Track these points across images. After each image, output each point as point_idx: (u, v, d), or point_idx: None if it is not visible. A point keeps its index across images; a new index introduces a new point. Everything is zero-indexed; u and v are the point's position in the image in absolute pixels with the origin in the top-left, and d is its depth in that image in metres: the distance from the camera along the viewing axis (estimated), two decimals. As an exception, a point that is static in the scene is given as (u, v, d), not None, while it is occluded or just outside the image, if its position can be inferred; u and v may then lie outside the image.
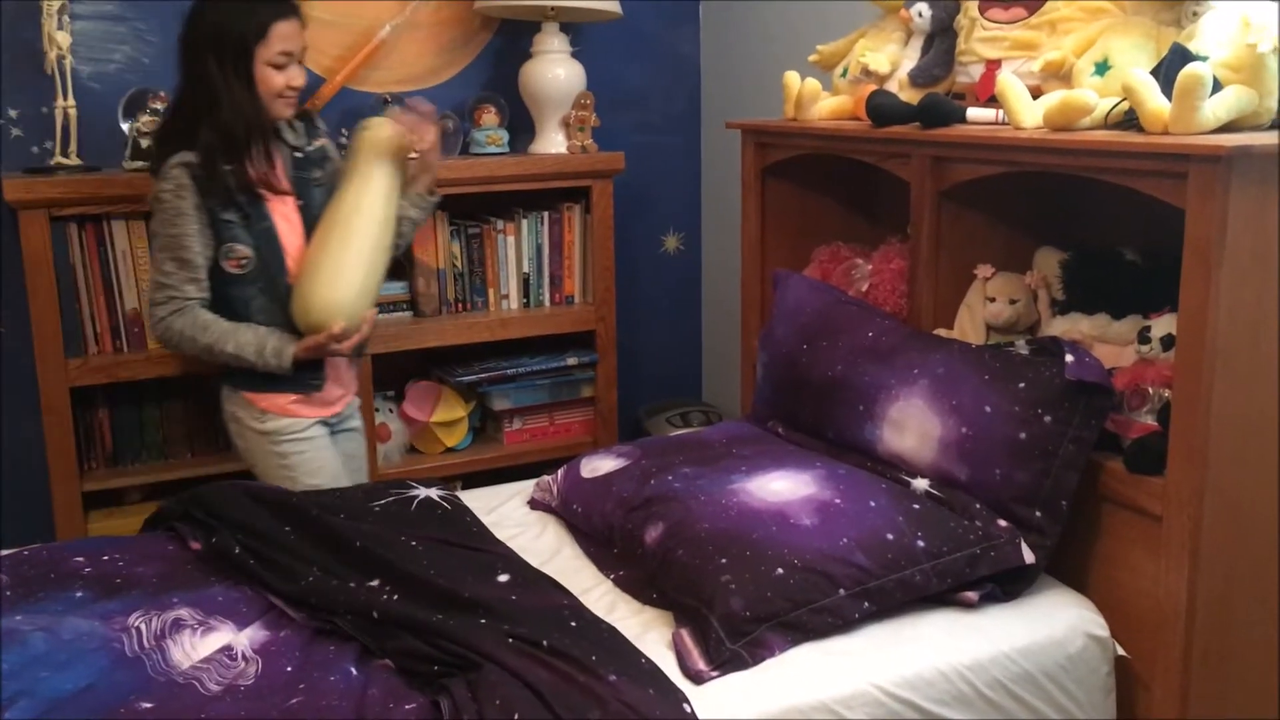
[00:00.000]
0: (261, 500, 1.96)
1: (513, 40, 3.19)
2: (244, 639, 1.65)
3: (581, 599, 1.74)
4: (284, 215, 2.26)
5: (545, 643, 1.55)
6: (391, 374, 2.95)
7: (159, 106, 2.68)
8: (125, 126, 2.71)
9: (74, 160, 2.64)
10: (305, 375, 2.25)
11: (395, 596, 1.69)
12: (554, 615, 1.64)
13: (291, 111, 2.26)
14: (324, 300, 2.18)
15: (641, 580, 1.84)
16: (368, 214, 2.24)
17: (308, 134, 2.36)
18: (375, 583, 1.73)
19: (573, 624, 1.62)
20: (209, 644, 1.64)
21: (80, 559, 1.89)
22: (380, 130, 2.30)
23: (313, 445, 2.30)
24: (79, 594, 1.77)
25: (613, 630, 1.63)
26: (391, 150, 2.29)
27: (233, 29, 2.14)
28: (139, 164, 2.63)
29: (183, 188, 2.13)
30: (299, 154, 2.31)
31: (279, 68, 2.18)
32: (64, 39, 2.58)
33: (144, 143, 2.63)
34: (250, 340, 2.19)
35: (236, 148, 2.16)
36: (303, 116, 2.35)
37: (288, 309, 2.22)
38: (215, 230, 2.18)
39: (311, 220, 2.28)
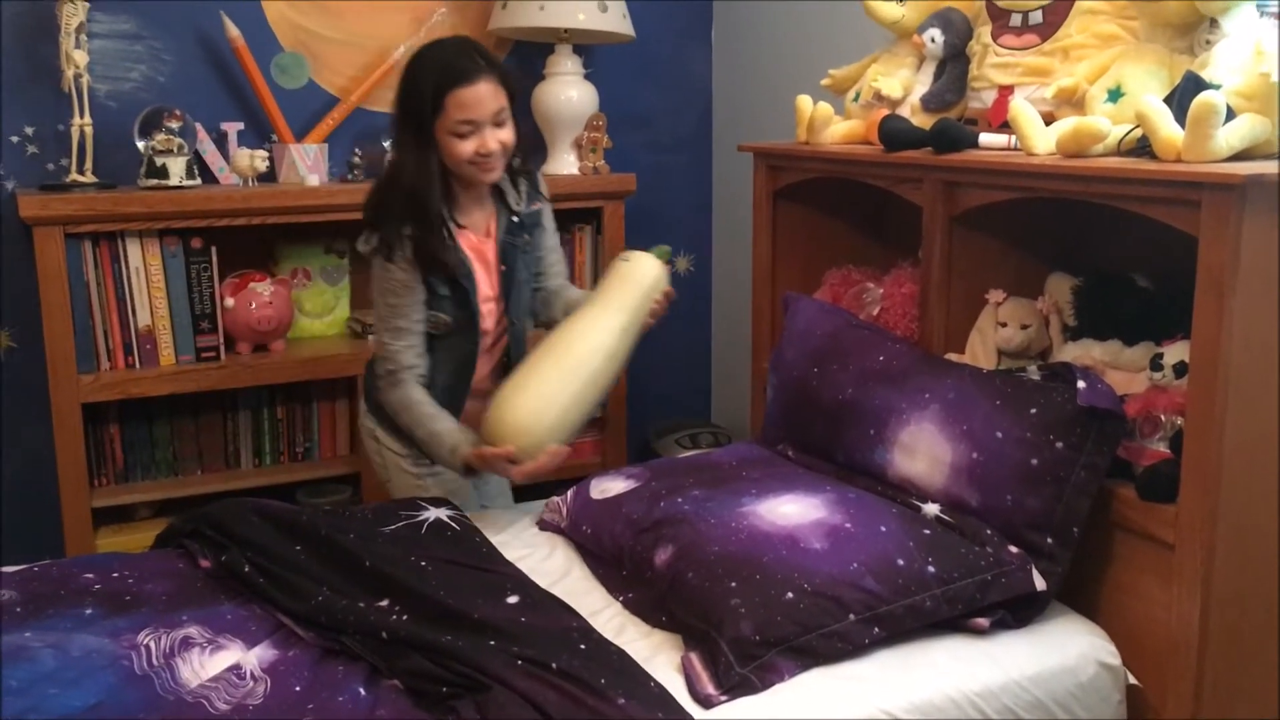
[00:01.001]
0: (271, 518, 1.96)
1: (526, 62, 3.21)
2: (253, 658, 1.65)
3: (590, 621, 1.74)
4: (485, 279, 2.19)
5: (554, 665, 1.54)
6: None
7: (174, 125, 2.70)
8: (140, 145, 2.73)
9: (89, 178, 2.66)
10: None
11: (404, 617, 1.69)
12: (563, 637, 1.64)
13: (495, 175, 2.11)
14: (517, 422, 2.01)
15: (651, 603, 1.83)
16: (596, 346, 2.08)
17: (528, 197, 2.24)
18: (384, 603, 1.73)
19: (582, 646, 1.62)
20: (218, 663, 1.63)
21: (90, 575, 1.89)
22: (643, 267, 2.16)
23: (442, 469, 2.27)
24: (88, 611, 1.76)
25: (622, 653, 1.63)
26: (648, 291, 2.15)
27: (412, 99, 2.05)
28: (154, 182, 2.65)
29: (406, 260, 2.09)
30: (515, 218, 2.20)
31: (461, 136, 2.04)
32: (81, 57, 2.60)
33: (159, 161, 2.65)
34: (440, 432, 2.10)
35: (428, 223, 2.08)
36: (527, 176, 2.24)
37: (466, 364, 2.20)
38: (426, 302, 2.14)
39: (511, 285, 2.20)
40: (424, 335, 2.15)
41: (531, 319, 2.33)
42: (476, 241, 2.17)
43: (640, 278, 2.15)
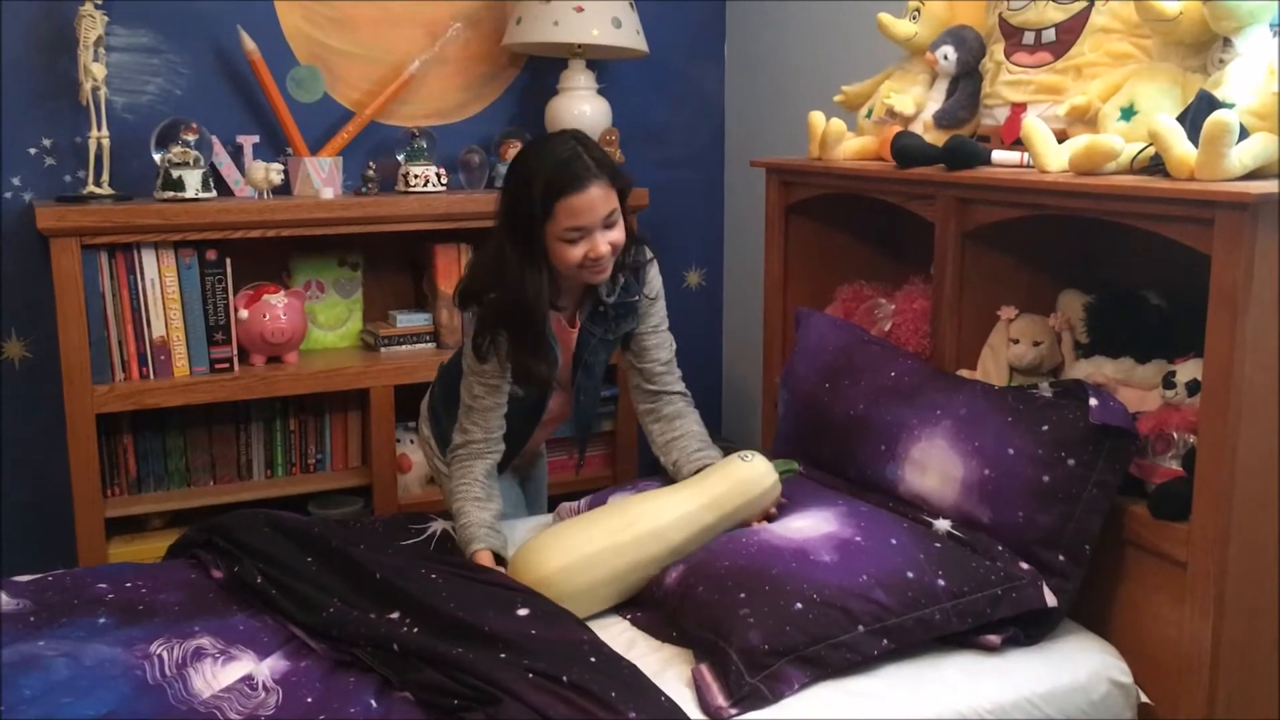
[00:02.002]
0: (283, 530, 1.97)
1: (540, 76, 3.23)
2: (265, 669, 1.65)
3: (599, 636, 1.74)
4: (564, 364, 2.13)
5: (565, 678, 1.55)
6: (412, 405, 2.96)
7: (190, 138, 2.72)
8: (157, 157, 2.75)
9: (106, 189, 2.68)
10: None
11: (415, 629, 1.69)
12: (574, 650, 1.64)
13: (604, 276, 2.01)
14: (542, 569, 1.86)
15: (660, 620, 1.83)
16: (660, 530, 1.90)
17: (628, 288, 2.11)
18: (395, 615, 1.73)
19: (592, 659, 1.62)
20: (230, 673, 1.64)
21: (103, 585, 1.90)
22: (758, 475, 1.98)
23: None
24: (101, 621, 1.78)
25: (633, 667, 1.63)
26: (753, 502, 1.97)
27: (521, 203, 1.94)
28: (169, 194, 2.67)
29: (497, 360, 2.05)
30: (600, 308, 2.10)
31: (572, 242, 1.94)
32: (99, 71, 2.63)
33: (175, 174, 2.67)
34: (465, 524, 2.02)
35: (525, 333, 2.00)
36: (633, 271, 2.11)
37: (524, 435, 2.21)
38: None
39: (579, 370, 2.14)
40: (502, 415, 2.10)
41: (636, 401, 2.25)
42: (563, 326, 2.12)
43: (749, 487, 1.96)
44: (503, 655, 1.60)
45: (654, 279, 2.17)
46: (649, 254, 2.15)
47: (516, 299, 1.97)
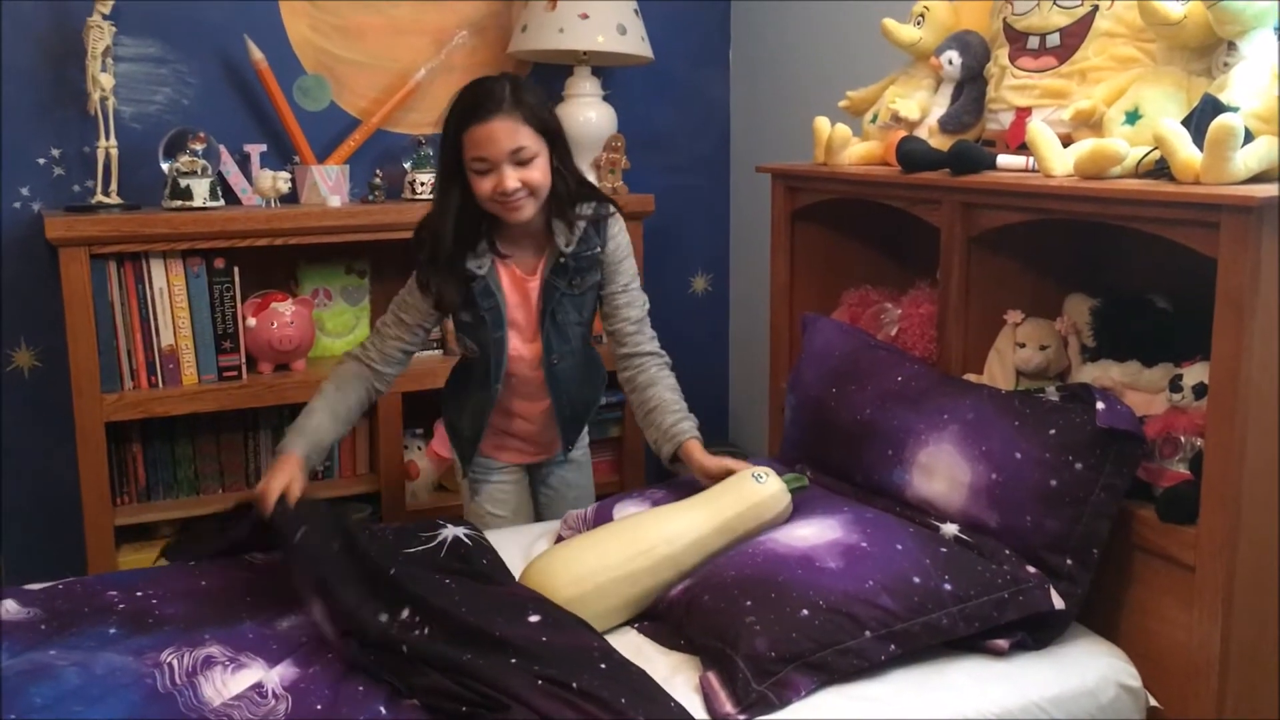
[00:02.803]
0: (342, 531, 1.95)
1: (545, 83, 3.23)
2: (275, 676, 1.66)
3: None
4: (526, 319, 2.20)
5: (574, 684, 1.55)
6: (420, 412, 2.97)
7: (198, 147, 2.73)
8: (165, 166, 2.77)
9: (114, 199, 2.69)
10: (463, 446, 2.35)
11: (425, 631, 1.69)
12: (584, 657, 1.64)
13: (521, 215, 2.07)
14: (549, 575, 1.86)
15: (667, 629, 1.84)
16: (676, 561, 1.87)
17: (586, 240, 2.16)
18: (406, 614, 1.73)
19: (602, 665, 1.62)
20: (240, 681, 1.64)
21: (113, 593, 1.90)
22: (772, 497, 1.96)
23: (502, 481, 2.38)
24: (112, 629, 1.78)
25: (642, 673, 1.63)
26: (766, 525, 1.94)
27: (443, 136, 2.09)
28: (178, 203, 2.68)
29: (414, 286, 2.18)
30: (561, 258, 2.16)
31: (481, 173, 2.03)
32: (107, 80, 2.64)
33: (183, 183, 2.68)
34: (303, 419, 2.15)
35: (438, 261, 2.12)
36: (594, 223, 2.17)
37: (493, 397, 2.25)
38: (455, 321, 2.22)
39: (555, 327, 2.19)
40: (420, 340, 2.22)
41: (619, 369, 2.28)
42: (521, 276, 2.18)
43: (763, 511, 1.94)
44: (513, 661, 1.61)
45: (617, 234, 2.21)
46: (611, 209, 2.20)
47: (429, 222, 2.13)
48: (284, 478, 1.96)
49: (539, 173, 2.06)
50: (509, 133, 2.01)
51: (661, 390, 2.21)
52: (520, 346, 2.22)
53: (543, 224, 2.15)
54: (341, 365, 2.22)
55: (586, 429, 2.49)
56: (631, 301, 2.24)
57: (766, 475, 1.98)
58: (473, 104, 2.03)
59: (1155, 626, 1.78)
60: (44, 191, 2.81)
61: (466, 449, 2.35)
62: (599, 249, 2.18)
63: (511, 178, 2.02)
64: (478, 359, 2.23)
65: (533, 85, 2.10)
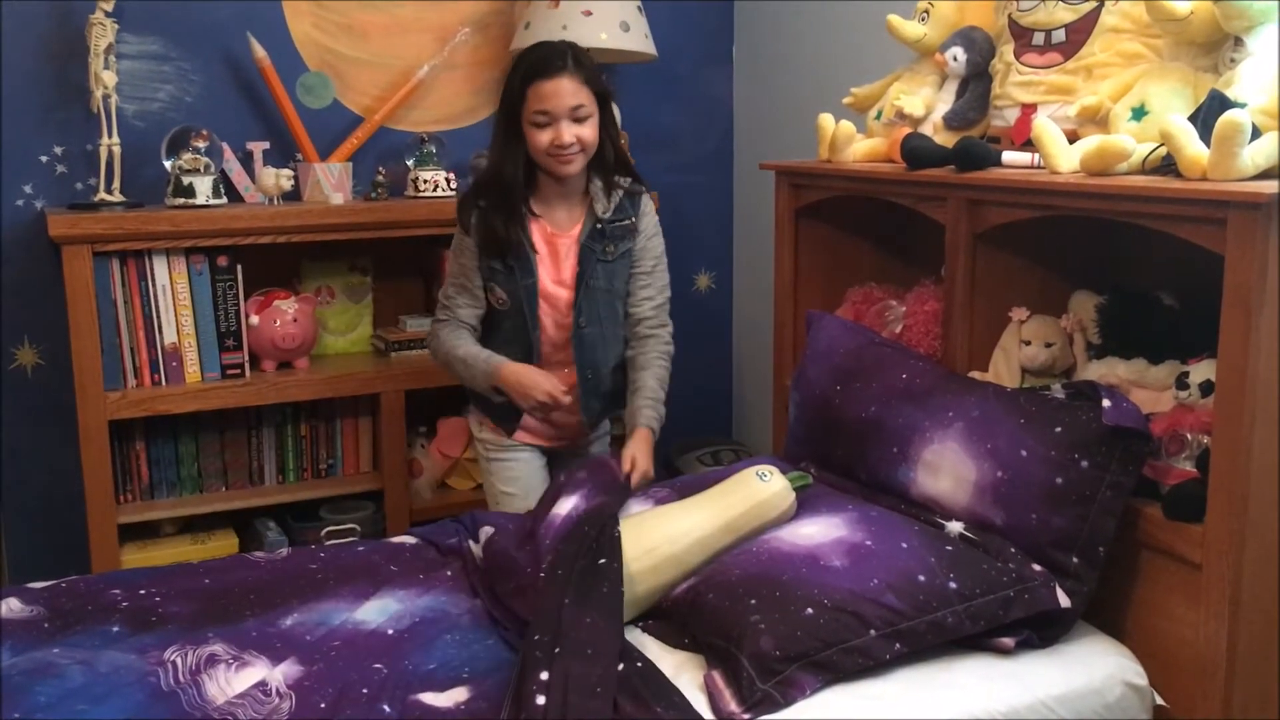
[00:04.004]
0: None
1: (548, 81, 3.23)
2: (278, 674, 1.66)
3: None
4: (555, 277, 2.32)
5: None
6: (424, 410, 2.97)
7: (201, 145, 2.73)
8: (168, 164, 2.76)
9: (117, 197, 2.69)
10: (502, 413, 2.40)
11: None
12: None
13: (571, 169, 2.25)
14: None
15: (672, 628, 1.83)
16: (680, 561, 1.87)
17: (621, 209, 2.33)
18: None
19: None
20: (244, 679, 1.64)
21: (117, 592, 1.90)
22: (776, 496, 1.94)
23: (514, 459, 2.44)
24: (115, 628, 1.78)
25: (650, 664, 1.63)
26: (769, 524, 1.93)
27: (506, 91, 2.25)
28: (180, 201, 2.68)
29: (467, 230, 2.30)
30: (598, 224, 2.31)
31: (540, 126, 2.20)
32: (110, 78, 2.64)
33: (186, 180, 2.68)
34: (485, 357, 2.31)
35: (499, 203, 2.26)
36: (629, 195, 2.34)
37: (529, 350, 2.34)
38: (482, 271, 2.32)
39: (587, 290, 2.31)
40: (483, 301, 2.34)
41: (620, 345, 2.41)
42: (552, 233, 2.31)
43: (767, 509, 1.93)
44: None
45: (648, 212, 2.38)
46: (645, 188, 2.38)
47: (496, 168, 2.27)
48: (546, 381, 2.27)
49: (591, 131, 2.23)
50: (572, 90, 2.19)
51: (648, 376, 2.35)
52: (550, 293, 2.32)
53: (582, 186, 2.32)
54: (449, 329, 2.35)
55: (607, 423, 2.54)
56: (653, 284, 2.39)
57: (771, 474, 1.97)
58: (541, 61, 2.20)
59: (1162, 625, 1.77)
60: (47, 189, 2.81)
61: (506, 414, 2.40)
62: (633, 219, 2.33)
63: (568, 132, 2.19)
64: (508, 312, 2.33)
65: (588, 53, 2.27)
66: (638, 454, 2.21)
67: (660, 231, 2.40)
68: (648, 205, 2.38)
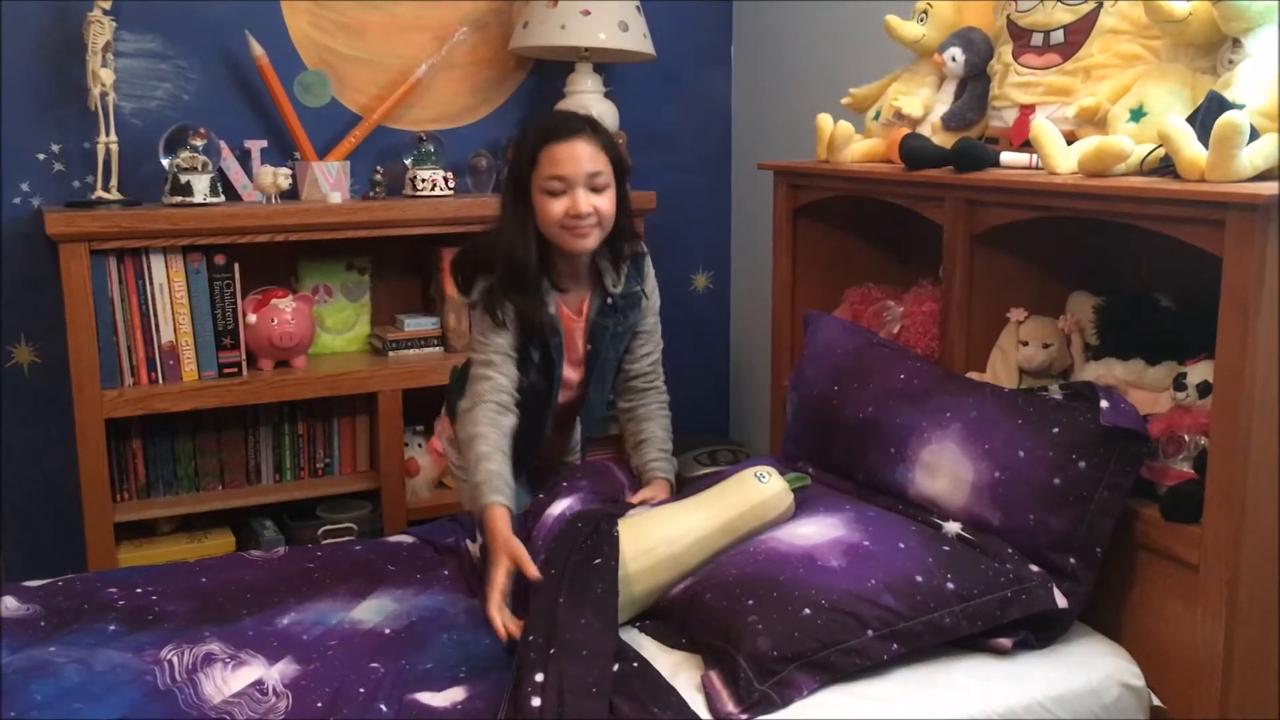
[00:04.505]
0: None
1: (547, 80, 3.23)
2: (275, 673, 1.66)
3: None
4: (571, 358, 2.17)
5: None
6: (420, 409, 2.96)
7: (198, 143, 2.73)
8: (165, 162, 2.76)
9: (114, 195, 2.68)
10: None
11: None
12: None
13: (587, 243, 2.04)
14: None
15: (669, 628, 1.83)
16: (678, 561, 1.87)
17: (629, 279, 2.17)
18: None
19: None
20: (240, 678, 1.64)
21: (113, 590, 1.90)
22: (775, 498, 1.94)
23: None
24: (112, 627, 1.78)
25: (647, 665, 1.63)
26: (767, 525, 1.93)
27: (515, 157, 2.05)
28: (178, 199, 2.67)
29: (512, 323, 2.06)
30: (609, 299, 2.15)
31: (553, 194, 2.00)
32: (108, 76, 2.63)
33: (183, 179, 2.67)
34: (489, 472, 1.95)
35: (512, 284, 2.04)
36: (632, 260, 2.17)
37: (536, 426, 2.16)
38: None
39: (594, 365, 2.17)
40: (515, 385, 2.07)
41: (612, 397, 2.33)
42: (569, 315, 2.15)
43: (765, 510, 1.93)
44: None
45: (650, 274, 2.25)
46: (644, 248, 2.23)
47: (509, 251, 2.03)
48: (506, 561, 1.82)
49: (608, 204, 2.04)
50: (590, 155, 2.01)
51: (655, 428, 2.27)
52: (567, 378, 2.18)
53: (589, 262, 2.13)
54: (475, 412, 2.03)
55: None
56: (651, 339, 2.27)
57: (769, 475, 1.97)
58: (555, 124, 2.04)
59: (1159, 626, 1.77)
60: (44, 187, 2.81)
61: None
62: (639, 287, 2.20)
63: (585, 201, 2.00)
64: (526, 394, 2.12)
65: (603, 125, 2.10)
66: (657, 495, 2.14)
67: (657, 285, 2.27)
68: (649, 266, 2.23)
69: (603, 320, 2.15)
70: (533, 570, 1.77)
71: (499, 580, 1.79)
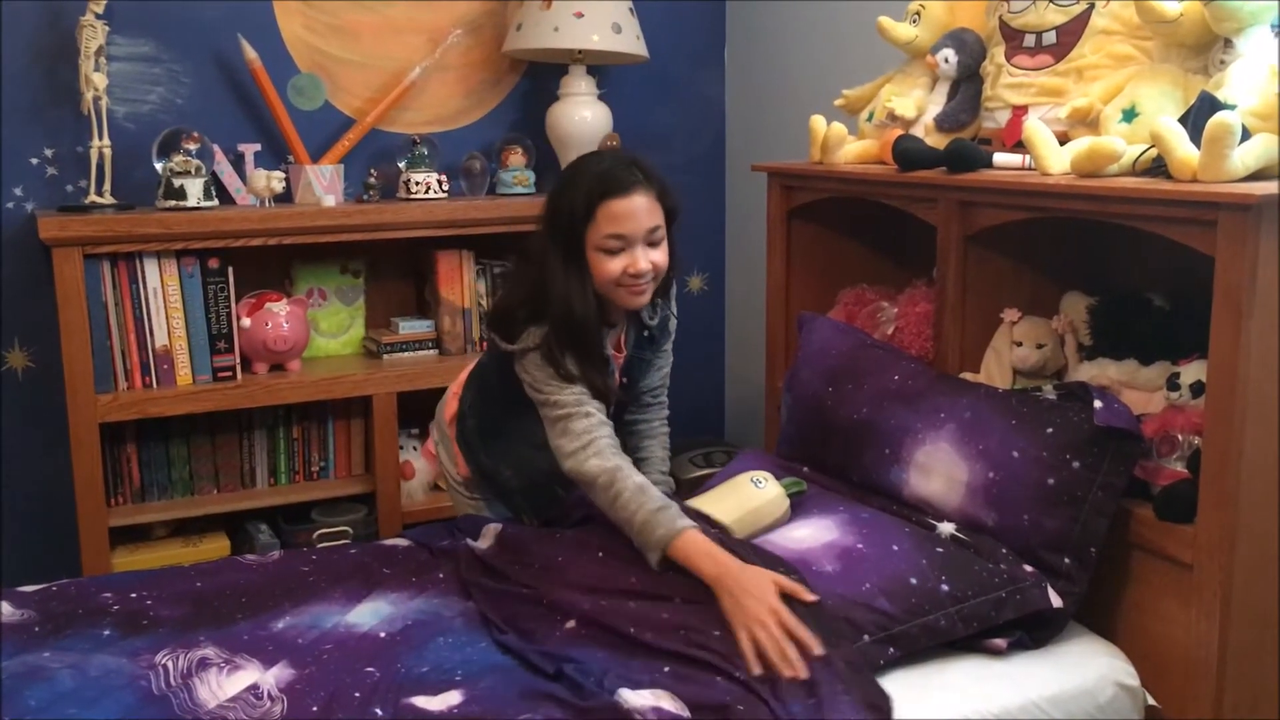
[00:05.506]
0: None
1: (540, 82, 3.23)
2: (270, 678, 1.65)
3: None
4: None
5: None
6: (415, 412, 2.96)
7: (192, 147, 2.72)
8: (159, 166, 2.75)
9: (108, 199, 2.68)
10: (513, 495, 2.15)
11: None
12: None
13: (642, 300, 1.95)
14: None
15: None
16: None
17: (659, 309, 2.09)
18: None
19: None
20: (235, 683, 1.64)
21: (108, 595, 1.90)
22: (772, 502, 1.94)
23: (488, 502, 2.24)
24: (106, 632, 1.77)
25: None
26: (764, 529, 1.92)
27: (564, 208, 1.90)
28: (171, 203, 2.67)
29: (547, 363, 1.92)
30: (646, 332, 2.09)
31: (610, 253, 1.88)
32: (100, 80, 2.63)
33: (177, 183, 2.67)
34: (654, 502, 1.81)
35: (571, 342, 1.90)
36: (663, 292, 2.07)
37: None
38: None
39: (630, 397, 2.15)
40: (612, 429, 1.96)
41: None
42: (611, 352, 2.08)
43: (761, 517, 1.92)
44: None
45: (673, 294, 2.16)
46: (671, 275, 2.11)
47: (564, 308, 1.89)
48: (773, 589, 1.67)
49: (664, 256, 1.94)
50: (648, 209, 1.90)
51: (656, 446, 2.25)
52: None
53: None
54: (597, 447, 1.88)
55: None
56: (668, 356, 2.22)
57: (765, 480, 1.97)
58: (611, 176, 1.88)
59: (1153, 625, 1.77)
60: (37, 192, 2.80)
61: (517, 500, 2.15)
62: (668, 310, 2.13)
63: (645, 258, 1.90)
64: None
65: (649, 161, 1.96)
66: None
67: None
68: (673, 290, 2.13)
69: (639, 353, 2.11)
70: (808, 594, 1.67)
71: (780, 609, 1.63)
